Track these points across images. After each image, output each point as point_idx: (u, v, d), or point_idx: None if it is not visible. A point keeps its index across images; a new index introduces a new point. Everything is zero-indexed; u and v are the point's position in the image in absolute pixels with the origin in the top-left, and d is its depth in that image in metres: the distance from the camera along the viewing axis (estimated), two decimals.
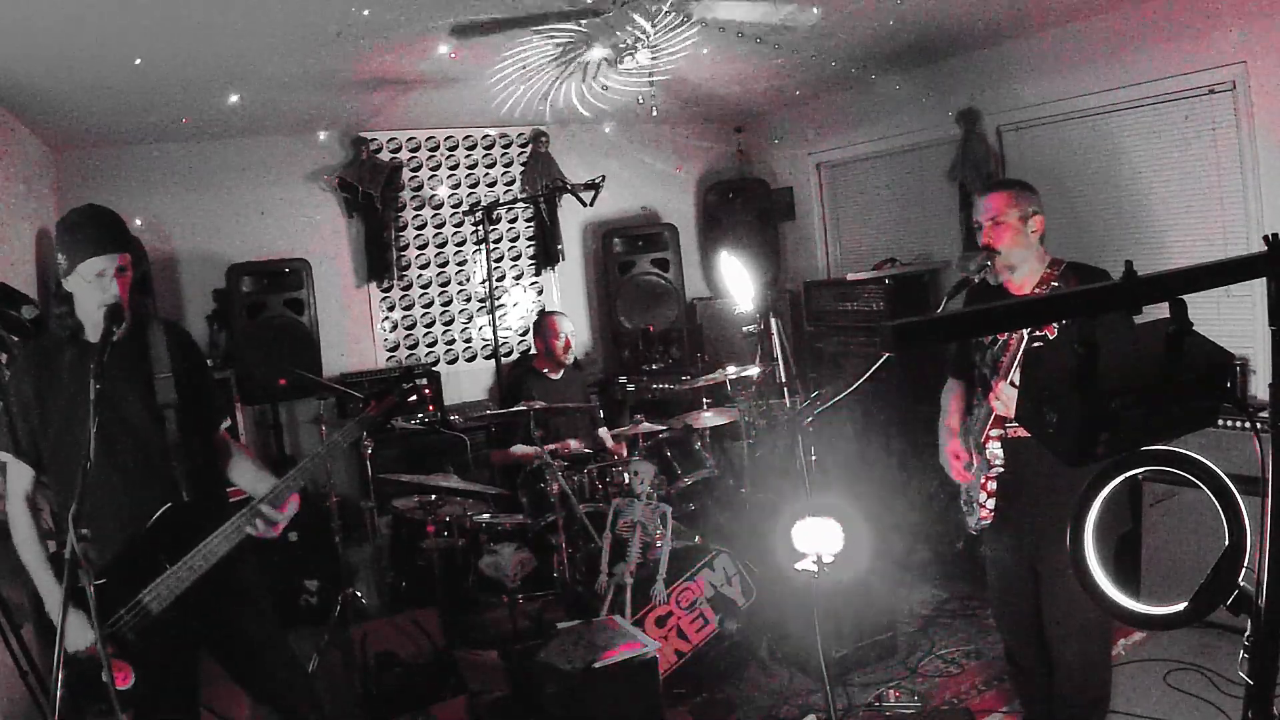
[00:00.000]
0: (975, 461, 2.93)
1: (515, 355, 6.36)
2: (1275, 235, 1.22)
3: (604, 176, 5.46)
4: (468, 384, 6.34)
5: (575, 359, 5.49)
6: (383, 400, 2.71)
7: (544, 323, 5.29)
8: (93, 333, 2.47)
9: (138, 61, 3.35)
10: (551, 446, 4.53)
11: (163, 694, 2.47)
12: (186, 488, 2.51)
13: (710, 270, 6.85)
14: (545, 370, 5.28)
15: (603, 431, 5.32)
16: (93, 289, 2.43)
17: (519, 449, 4.96)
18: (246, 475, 2.73)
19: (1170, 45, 4.14)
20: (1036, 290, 2.81)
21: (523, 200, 6.41)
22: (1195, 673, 3.47)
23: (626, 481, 4.35)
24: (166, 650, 2.46)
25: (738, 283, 5.13)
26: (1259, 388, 3.90)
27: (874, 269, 5.79)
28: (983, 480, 2.92)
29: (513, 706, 3.68)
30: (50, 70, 3.73)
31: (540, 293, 6.61)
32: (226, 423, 2.83)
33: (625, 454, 4.82)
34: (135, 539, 2.44)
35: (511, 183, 6.49)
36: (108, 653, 2.15)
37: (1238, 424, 3.53)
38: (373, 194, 5.87)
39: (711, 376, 5.03)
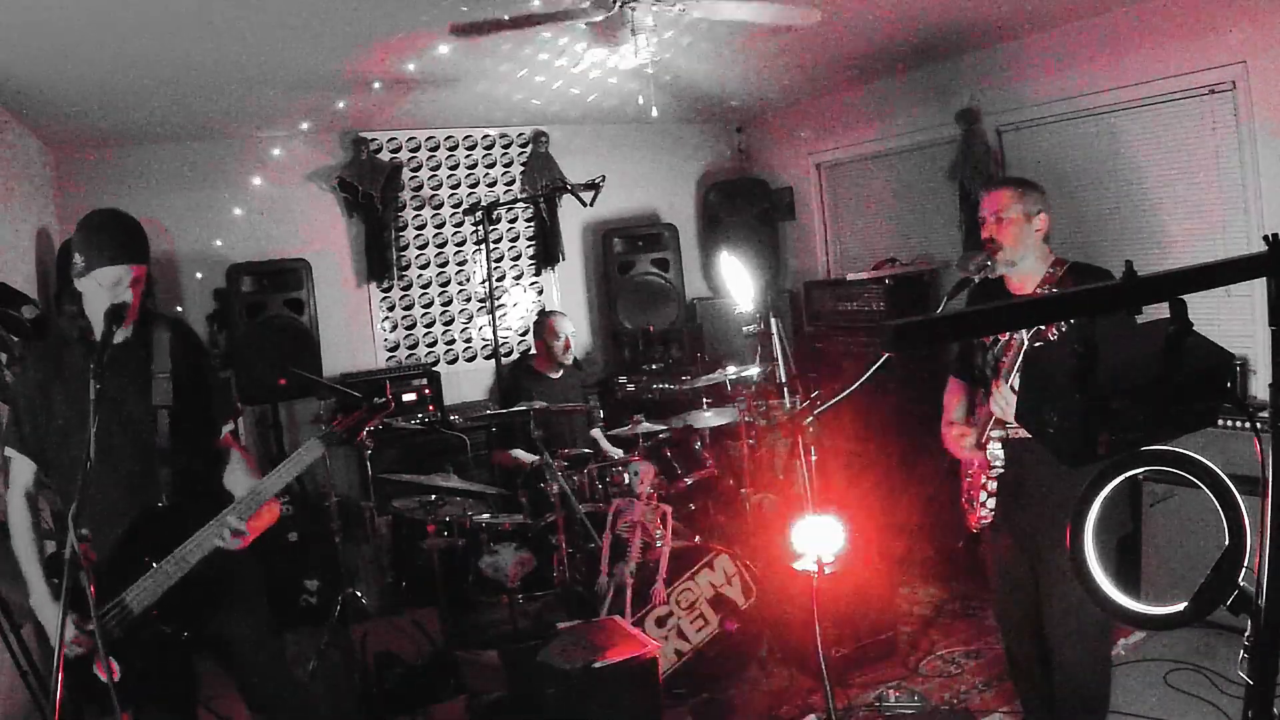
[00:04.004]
0: (977, 462, 2.93)
1: (515, 355, 6.36)
2: (1275, 235, 1.22)
3: (604, 176, 5.46)
4: (468, 384, 6.34)
5: (575, 359, 5.49)
6: (349, 415, 2.65)
7: (544, 323, 5.29)
8: (98, 333, 2.47)
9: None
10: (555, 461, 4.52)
11: (156, 692, 2.47)
12: (172, 490, 2.51)
13: (710, 270, 6.85)
14: (544, 371, 5.27)
15: (596, 432, 5.31)
16: (104, 294, 2.45)
17: (520, 455, 4.96)
18: (239, 484, 2.70)
19: (1170, 45, 4.14)
20: (1039, 290, 2.81)
21: (523, 200, 6.41)
22: (1195, 673, 3.47)
23: (626, 481, 4.35)
24: (158, 649, 2.46)
25: (738, 283, 5.13)
26: (1259, 388, 3.89)
27: (874, 269, 5.79)
28: (983, 480, 2.92)
29: (513, 706, 3.68)
30: (50, 70, 3.73)
31: (540, 293, 6.61)
32: (230, 426, 2.81)
33: (621, 454, 4.82)
34: (123, 539, 2.45)
35: (511, 183, 6.49)
36: (104, 649, 2.15)
37: (1238, 424, 3.52)
38: (373, 194, 5.87)
39: (711, 376, 5.03)
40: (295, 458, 2.56)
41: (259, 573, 2.77)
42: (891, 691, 3.69)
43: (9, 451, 2.52)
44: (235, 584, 2.63)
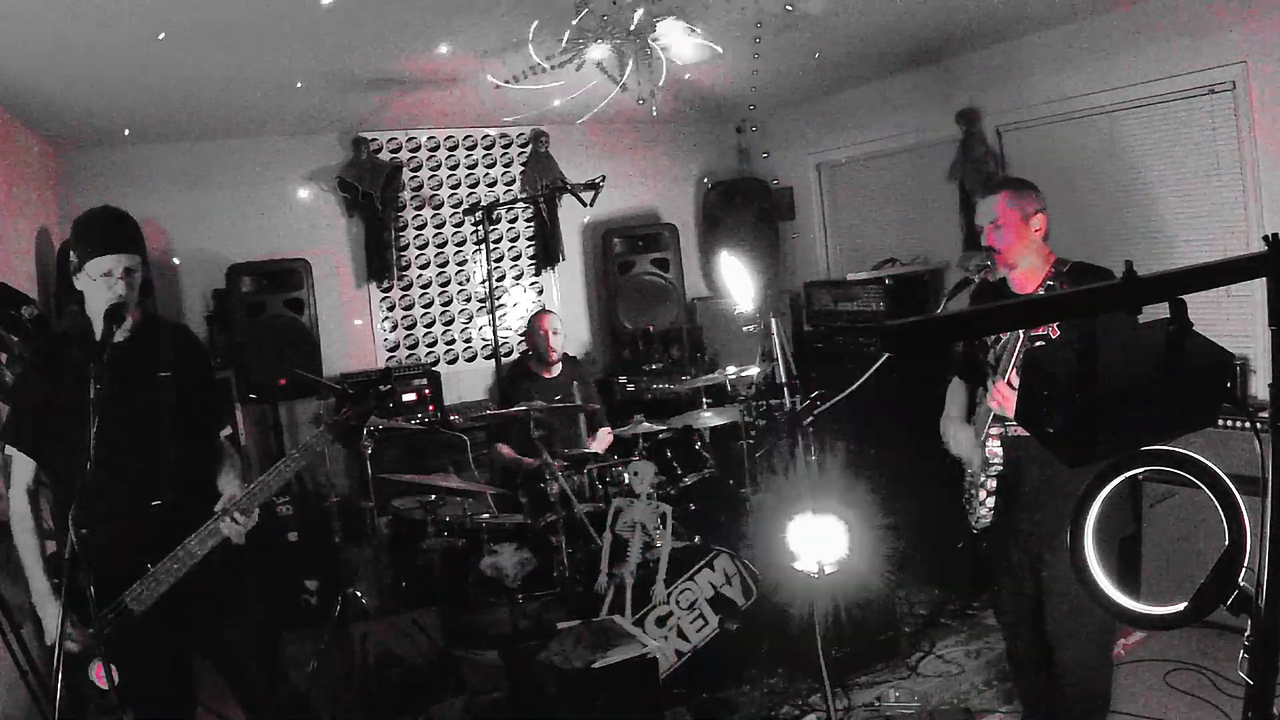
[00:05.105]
0: (976, 459, 2.93)
1: (515, 355, 6.36)
2: (1275, 235, 1.22)
3: (604, 176, 5.45)
4: (468, 384, 6.34)
5: (568, 354, 5.48)
6: (356, 405, 2.71)
7: (532, 322, 5.33)
8: (98, 332, 2.48)
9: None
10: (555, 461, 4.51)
11: (155, 694, 2.47)
12: (171, 491, 2.52)
13: (710, 270, 6.84)
14: (539, 371, 5.28)
15: (604, 431, 5.31)
16: (99, 288, 2.46)
17: (503, 449, 4.98)
18: (230, 486, 2.72)
19: (1170, 45, 4.13)
20: (1040, 290, 2.81)
21: (523, 200, 6.41)
22: (1195, 673, 3.47)
23: (626, 481, 4.35)
24: (156, 651, 2.46)
25: (738, 283, 5.13)
26: (1259, 388, 3.89)
27: (874, 269, 5.78)
28: (983, 479, 2.92)
29: (513, 706, 3.67)
30: (50, 70, 3.73)
31: (540, 293, 6.61)
32: (227, 430, 2.83)
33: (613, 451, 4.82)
34: (123, 539, 2.45)
35: (511, 183, 6.49)
36: (103, 651, 2.16)
37: (1238, 424, 3.52)
38: (373, 194, 5.87)
39: (711, 376, 5.02)
40: (304, 447, 2.61)
41: (251, 577, 2.79)
42: (891, 691, 3.69)
43: (9, 449, 2.52)
44: (229, 588, 2.65)
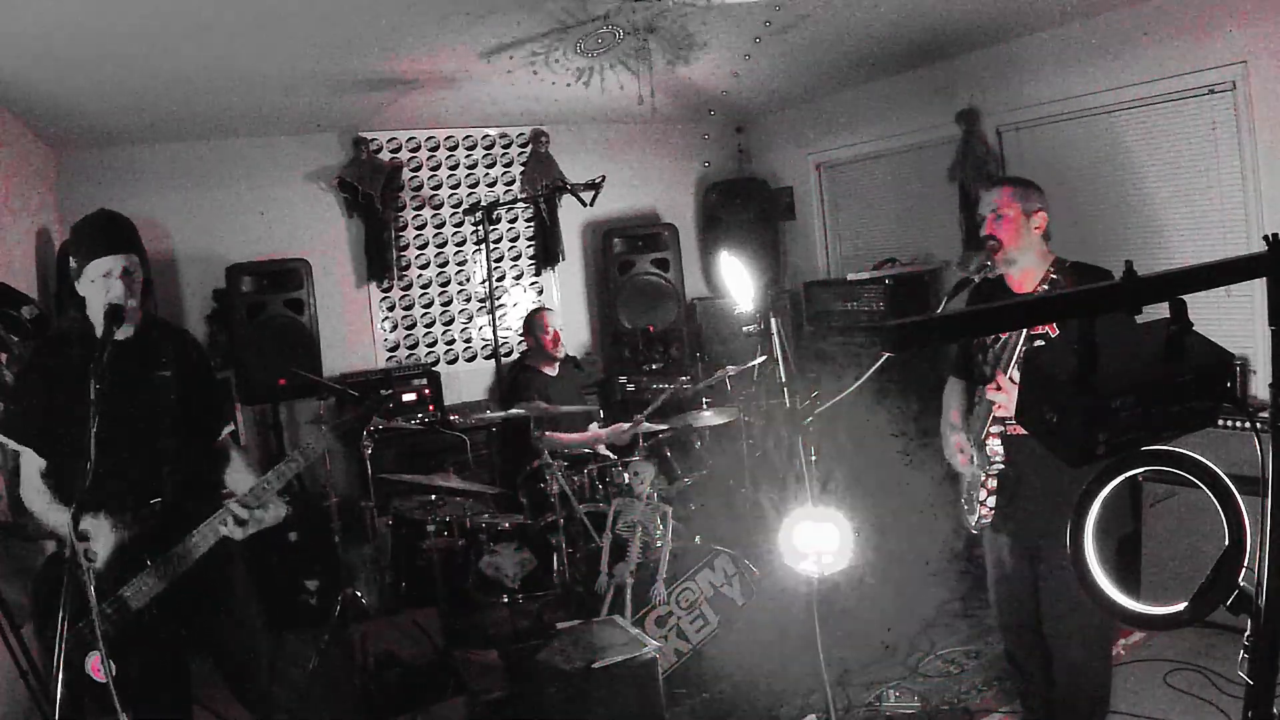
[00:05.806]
0: (976, 459, 2.93)
1: (515, 355, 6.36)
2: (1275, 235, 1.22)
3: (604, 176, 5.45)
4: (468, 384, 6.34)
5: (569, 354, 5.48)
6: (356, 408, 2.77)
7: (533, 319, 5.32)
8: (99, 334, 2.49)
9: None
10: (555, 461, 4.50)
11: (153, 691, 2.48)
12: (172, 490, 2.53)
13: (710, 270, 6.84)
14: (541, 368, 5.28)
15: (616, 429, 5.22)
16: (99, 289, 2.49)
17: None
18: (241, 482, 2.75)
19: (1170, 45, 4.13)
20: (1038, 289, 2.82)
21: (523, 200, 6.41)
22: (1195, 673, 3.47)
23: (626, 481, 4.35)
24: (153, 649, 2.47)
25: (738, 283, 5.12)
26: (1259, 388, 3.89)
27: (874, 269, 5.78)
28: (983, 479, 2.92)
29: (513, 706, 3.67)
30: (50, 70, 3.73)
31: (540, 293, 6.61)
32: (229, 428, 2.85)
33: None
34: (124, 538, 2.46)
35: (511, 183, 6.48)
36: (102, 645, 2.16)
37: (1238, 424, 3.52)
38: (373, 194, 5.87)
39: (711, 377, 5.02)
40: (305, 447, 2.64)
41: (249, 574, 2.80)
42: (891, 691, 3.69)
43: (16, 446, 2.53)
44: (226, 585, 2.66)
